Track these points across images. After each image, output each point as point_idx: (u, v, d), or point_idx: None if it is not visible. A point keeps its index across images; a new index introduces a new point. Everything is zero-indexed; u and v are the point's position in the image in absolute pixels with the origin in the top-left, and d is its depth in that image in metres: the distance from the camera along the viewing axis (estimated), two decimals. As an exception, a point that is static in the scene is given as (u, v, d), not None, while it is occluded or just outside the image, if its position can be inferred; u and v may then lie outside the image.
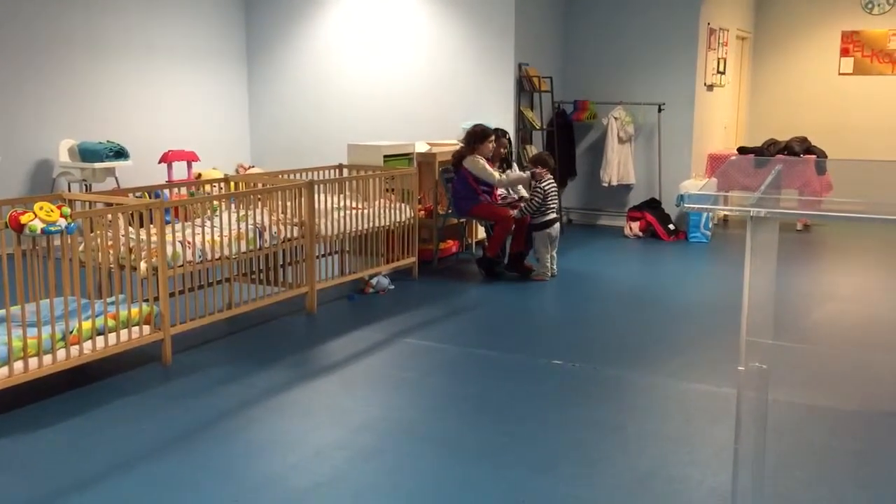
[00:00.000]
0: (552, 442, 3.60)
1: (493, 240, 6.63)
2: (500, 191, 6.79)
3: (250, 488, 3.16)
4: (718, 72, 9.38)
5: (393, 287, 6.20)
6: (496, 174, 6.53)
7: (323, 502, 3.06)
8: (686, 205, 2.60)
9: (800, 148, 8.82)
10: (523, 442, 3.59)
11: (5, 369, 3.70)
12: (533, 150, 8.51)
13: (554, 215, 6.52)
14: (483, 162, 6.49)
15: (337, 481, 3.23)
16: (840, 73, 10.86)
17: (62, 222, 3.84)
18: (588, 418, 3.87)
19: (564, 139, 8.91)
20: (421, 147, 7.33)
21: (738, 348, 1.86)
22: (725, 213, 8.27)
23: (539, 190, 6.39)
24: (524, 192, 6.88)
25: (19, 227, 3.69)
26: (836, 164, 4.84)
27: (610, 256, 7.69)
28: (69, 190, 7.38)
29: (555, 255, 6.59)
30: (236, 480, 3.23)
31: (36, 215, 3.74)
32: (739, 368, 1.78)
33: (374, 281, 6.10)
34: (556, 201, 6.58)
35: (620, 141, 8.76)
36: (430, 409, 3.99)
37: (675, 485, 3.20)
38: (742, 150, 9.09)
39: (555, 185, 6.52)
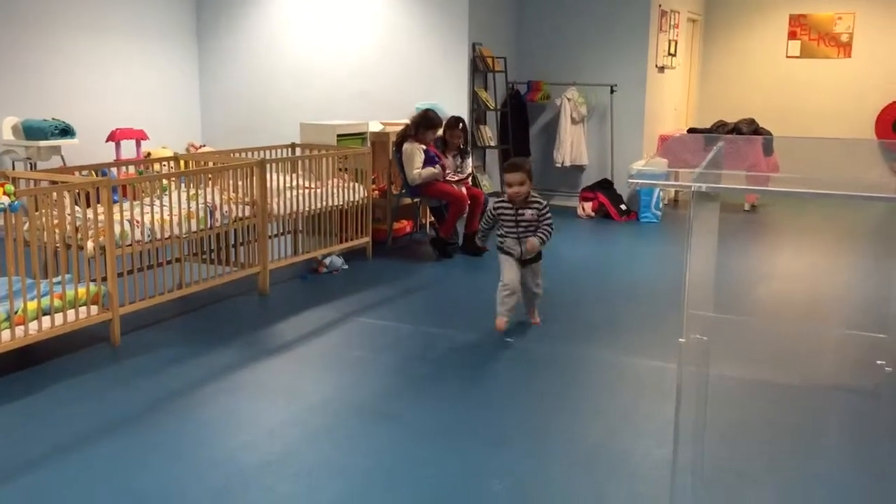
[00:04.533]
0: (506, 417, 3.64)
1: (447, 220, 6.64)
2: (450, 170, 6.77)
3: (201, 467, 3.15)
4: (669, 54, 9.50)
5: (347, 267, 6.19)
6: (415, 171, 6.50)
7: (275, 480, 3.07)
8: (635, 180, 2.67)
9: (748, 129, 8.97)
10: (477, 418, 3.63)
11: (-53, 350, 3.62)
12: (487, 132, 8.54)
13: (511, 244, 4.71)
14: (416, 153, 6.49)
15: (290, 459, 3.23)
16: (787, 56, 11.07)
17: (5, 200, 3.77)
18: (540, 394, 3.93)
19: (518, 120, 8.94)
20: (375, 126, 7.31)
21: (682, 322, 1.90)
22: (675, 190, 8.39)
23: (489, 213, 4.88)
24: (470, 169, 6.91)
25: (-40, 206, 3.60)
26: (782, 142, 4.97)
27: (563, 236, 7.75)
28: (13, 168, 7.21)
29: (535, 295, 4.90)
30: (187, 459, 3.21)
31: (-22, 193, 3.65)
32: (680, 340, 1.83)
33: (327, 261, 6.08)
34: (514, 229, 4.67)
35: (573, 122, 8.83)
36: (383, 388, 4.01)
37: (623, 457, 3.27)
38: (692, 131, 9.23)
39: (509, 209, 4.66)
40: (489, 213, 4.82)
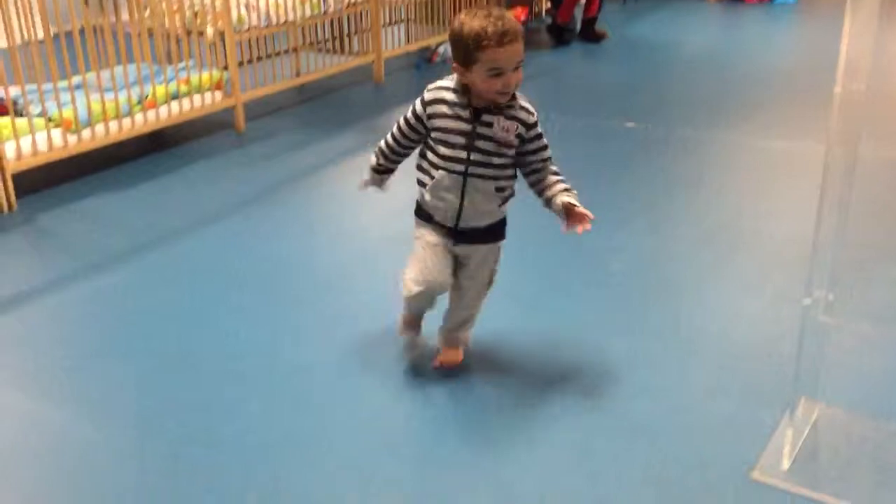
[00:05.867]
0: (627, 199, 3.59)
1: (564, 6, 6.33)
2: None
3: (331, 240, 3.28)
4: None
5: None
6: None
7: (393, 251, 3.17)
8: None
9: None
10: (598, 201, 3.58)
11: (88, 132, 3.80)
12: None
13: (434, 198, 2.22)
14: None
15: (405, 235, 3.31)
16: None
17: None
18: (661, 176, 3.84)
19: None
20: None
21: (829, 101, 1.76)
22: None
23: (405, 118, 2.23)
24: None
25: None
26: None
27: (687, 22, 7.31)
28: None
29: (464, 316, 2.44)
30: (318, 233, 3.35)
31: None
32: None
33: (440, 49, 5.96)
34: (460, 158, 2.11)
35: None
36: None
37: (750, 235, 3.20)
38: None
39: (460, 108, 2.10)
40: (405, 120, 2.19)
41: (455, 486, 1.92)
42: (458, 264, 2.24)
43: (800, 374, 1.96)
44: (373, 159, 2.30)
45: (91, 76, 3.99)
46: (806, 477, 1.91)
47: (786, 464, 1.94)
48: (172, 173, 3.98)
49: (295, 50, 5.21)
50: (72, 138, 3.73)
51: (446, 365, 2.34)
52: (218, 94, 4.43)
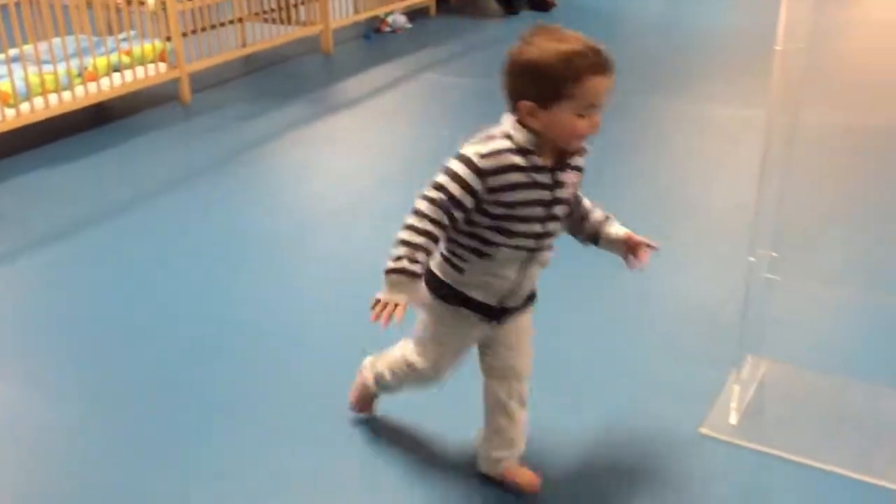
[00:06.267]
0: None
1: (513, -27, 6.30)
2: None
3: (279, 211, 3.25)
4: None
5: (410, 26, 6.01)
6: None
7: (349, 221, 3.15)
8: None
9: None
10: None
11: (26, 105, 3.69)
12: None
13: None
14: None
15: (362, 204, 3.30)
16: None
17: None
18: (608, 143, 3.86)
19: None
20: None
21: (767, 69, 1.79)
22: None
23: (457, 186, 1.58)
24: None
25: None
26: None
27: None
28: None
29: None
30: (266, 204, 3.31)
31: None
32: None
33: (389, 19, 5.90)
34: (538, 227, 1.61)
35: None
36: (453, 140, 3.99)
37: (695, 200, 3.25)
38: None
39: (541, 172, 1.58)
40: (447, 200, 1.56)
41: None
42: (485, 349, 1.73)
43: (745, 332, 2.00)
44: (414, 266, 1.50)
45: (28, 48, 3.87)
46: (753, 431, 1.96)
47: (733, 419, 1.99)
48: (117, 147, 3.89)
49: (240, 20, 5.11)
50: (10, 112, 3.62)
51: (532, 489, 1.78)
52: (162, 66, 4.33)
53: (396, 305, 1.47)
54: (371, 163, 3.71)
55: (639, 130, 4.03)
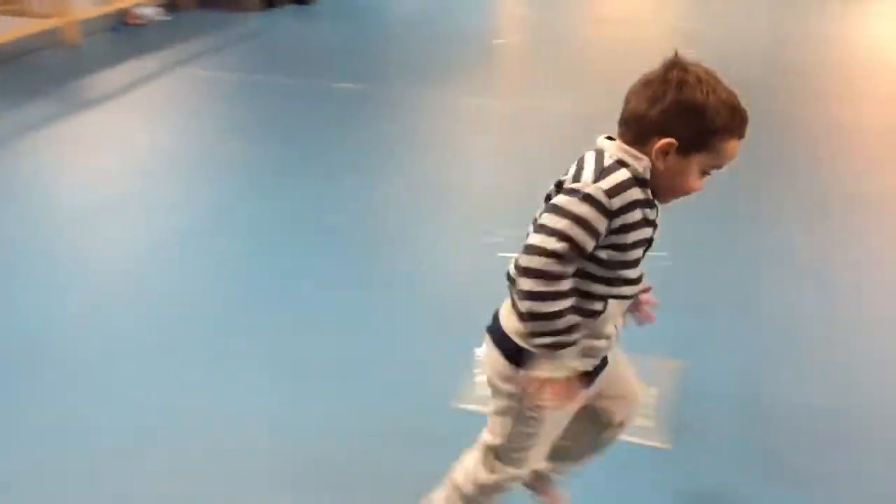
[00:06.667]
0: (340, 155, 3.58)
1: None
2: None
3: (35, 212, 2.98)
4: None
5: (168, 18, 5.72)
6: None
7: (117, 218, 2.95)
8: None
9: None
10: (311, 158, 3.55)
11: None
12: None
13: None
14: None
15: (128, 201, 3.10)
16: None
17: None
18: (375, 133, 3.88)
19: None
20: None
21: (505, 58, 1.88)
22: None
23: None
24: None
25: None
26: None
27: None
28: None
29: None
30: (20, 204, 3.02)
31: None
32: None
33: (139, 11, 5.57)
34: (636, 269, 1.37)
35: None
36: (218, 135, 3.84)
37: (455, 186, 3.33)
38: None
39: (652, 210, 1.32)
40: (569, 245, 1.21)
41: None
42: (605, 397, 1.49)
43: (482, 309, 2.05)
44: (570, 337, 1.26)
45: None
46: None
47: (480, 390, 2.04)
48: None
49: (-34, 11, 4.61)
50: None
51: None
52: None
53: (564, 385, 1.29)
54: (133, 160, 3.49)
55: (406, 121, 4.09)
